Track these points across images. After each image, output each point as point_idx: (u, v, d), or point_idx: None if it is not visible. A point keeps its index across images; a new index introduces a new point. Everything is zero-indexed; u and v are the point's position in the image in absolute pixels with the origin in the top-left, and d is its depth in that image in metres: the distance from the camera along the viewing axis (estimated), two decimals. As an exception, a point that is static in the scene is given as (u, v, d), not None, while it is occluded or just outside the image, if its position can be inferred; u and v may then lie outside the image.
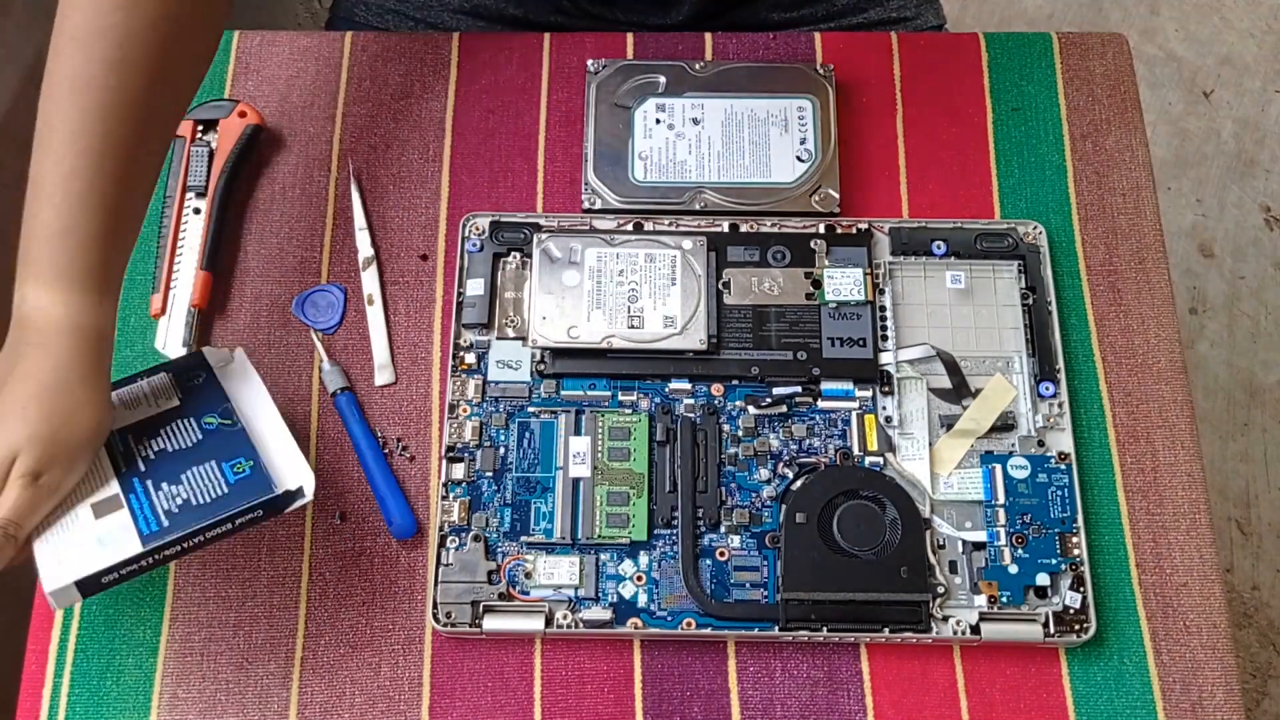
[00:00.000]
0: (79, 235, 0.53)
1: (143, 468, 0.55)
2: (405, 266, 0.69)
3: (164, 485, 0.54)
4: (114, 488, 0.55)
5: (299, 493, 0.55)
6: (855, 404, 0.64)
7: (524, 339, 0.65)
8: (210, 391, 0.59)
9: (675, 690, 0.60)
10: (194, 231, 0.68)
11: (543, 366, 0.65)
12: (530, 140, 0.72)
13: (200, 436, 0.56)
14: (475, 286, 0.67)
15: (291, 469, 0.56)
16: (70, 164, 0.53)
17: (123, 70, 0.54)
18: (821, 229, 0.68)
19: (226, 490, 0.54)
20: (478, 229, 0.68)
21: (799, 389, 0.64)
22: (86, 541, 0.52)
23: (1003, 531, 0.61)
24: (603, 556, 0.61)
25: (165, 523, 0.53)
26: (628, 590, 0.61)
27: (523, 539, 0.61)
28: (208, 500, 0.53)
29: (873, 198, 0.71)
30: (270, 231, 0.70)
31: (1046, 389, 0.64)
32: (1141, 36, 1.56)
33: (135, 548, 0.52)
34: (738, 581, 0.61)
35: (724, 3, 0.80)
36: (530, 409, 0.64)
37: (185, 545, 0.53)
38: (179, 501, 0.54)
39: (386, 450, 0.65)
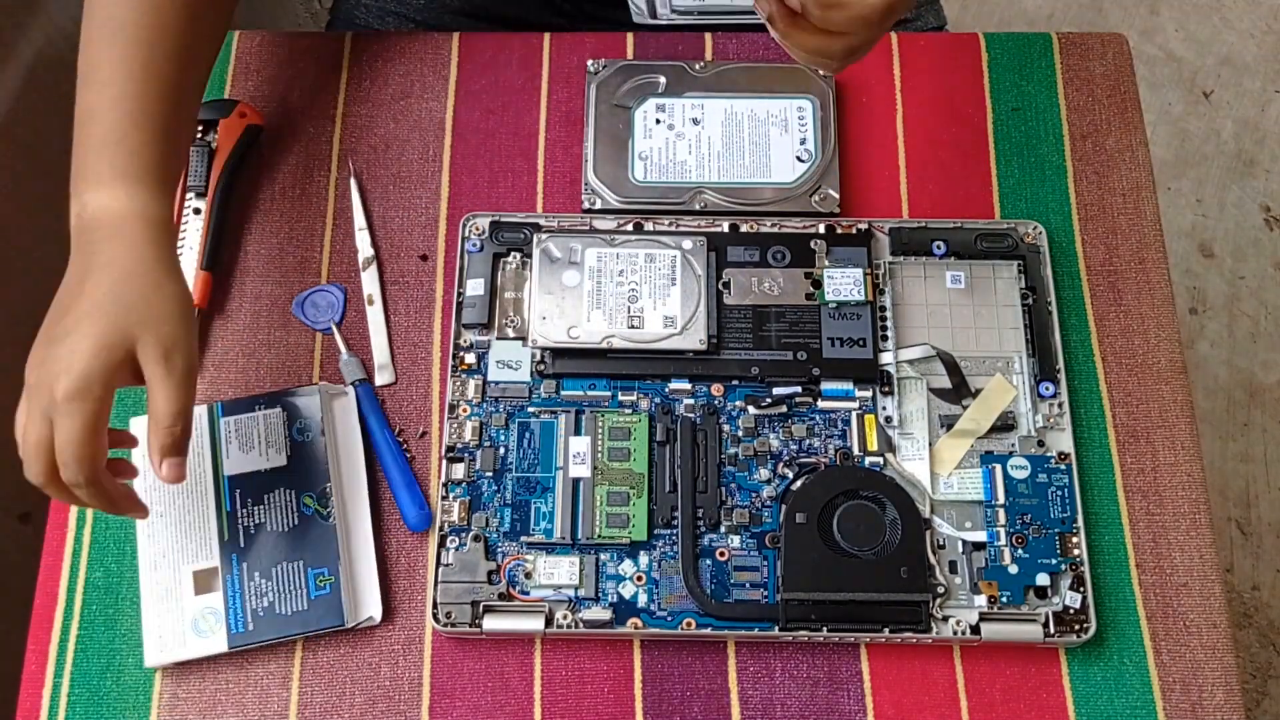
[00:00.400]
0: (133, 141, 0.57)
1: (243, 542, 0.61)
2: (405, 266, 0.69)
3: (256, 577, 0.60)
4: (215, 557, 0.61)
5: (366, 620, 0.61)
6: (855, 404, 0.64)
7: (524, 339, 0.65)
8: (313, 456, 0.63)
9: (675, 690, 0.60)
10: (194, 231, 0.68)
11: (543, 366, 0.65)
12: (530, 140, 0.72)
13: (296, 522, 0.61)
14: (475, 286, 0.67)
15: (364, 595, 0.61)
16: (118, 88, 0.57)
17: (160, 9, 0.58)
18: (821, 229, 0.68)
19: (306, 606, 0.60)
20: (478, 229, 0.68)
21: (799, 389, 0.64)
22: (184, 622, 0.60)
23: (1003, 531, 0.61)
24: (603, 556, 0.61)
25: (250, 626, 0.60)
26: (628, 590, 0.61)
27: (523, 539, 0.61)
28: (288, 613, 0.60)
29: (873, 198, 0.71)
30: (270, 231, 0.70)
31: (1046, 389, 0.64)
32: (1141, 36, 1.56)
33: (221, 646, 0.59)
34: (738, 581, 0.61)
35: None
36: (530, 409, 0.64)
37: (259, 647, 0.61)
38: (265, 603, 0.60)
39: (403, 440, 0.65)
